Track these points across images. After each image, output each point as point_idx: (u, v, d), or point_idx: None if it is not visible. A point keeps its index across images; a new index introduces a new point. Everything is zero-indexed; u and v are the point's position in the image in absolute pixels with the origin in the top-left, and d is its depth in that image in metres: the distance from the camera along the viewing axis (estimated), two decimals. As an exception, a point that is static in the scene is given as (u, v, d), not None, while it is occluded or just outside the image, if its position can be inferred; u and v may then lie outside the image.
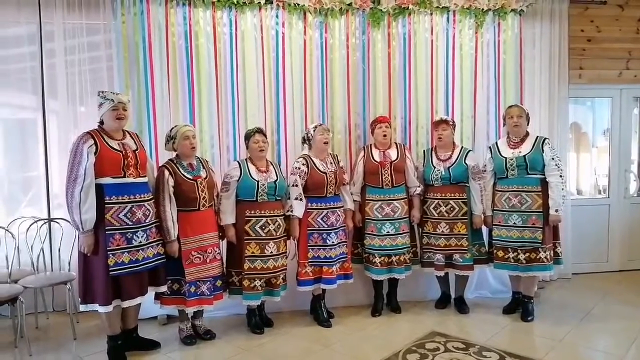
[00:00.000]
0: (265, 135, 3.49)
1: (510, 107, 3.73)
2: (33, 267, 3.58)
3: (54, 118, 3.93)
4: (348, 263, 3.69)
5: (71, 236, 3.57)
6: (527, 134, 3.64)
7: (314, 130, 3.58)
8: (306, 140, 3.64)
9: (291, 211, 3.48)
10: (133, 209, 2.87)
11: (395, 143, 3.83)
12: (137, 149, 2.97)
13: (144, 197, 2.95)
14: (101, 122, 2.92)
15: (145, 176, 3.02)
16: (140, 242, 2.90)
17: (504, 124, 3.76)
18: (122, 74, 3.60)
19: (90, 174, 2.74)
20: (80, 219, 2.73)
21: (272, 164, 3.54)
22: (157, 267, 3.05)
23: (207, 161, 3.46)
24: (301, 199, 3.49)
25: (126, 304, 2.92)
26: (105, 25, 3.81)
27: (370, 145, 3.83)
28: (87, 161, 2.73)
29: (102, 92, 2.93)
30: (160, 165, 3.29)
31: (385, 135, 3.71)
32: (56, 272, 3.68)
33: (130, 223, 2.86)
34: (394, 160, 3.69)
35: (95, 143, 2.79)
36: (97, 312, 2.94)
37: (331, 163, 3.61)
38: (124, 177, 2.86)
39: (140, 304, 3.10)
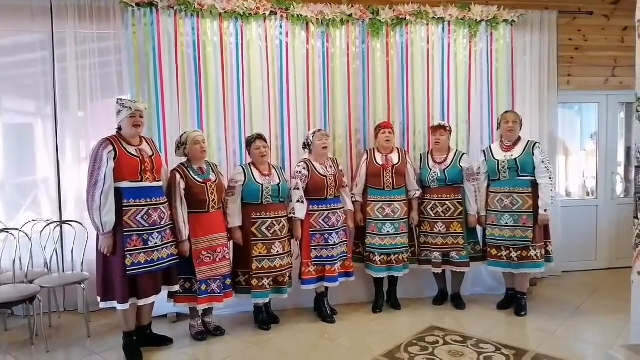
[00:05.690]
0: (265, 141, 3.62)
1: (506, 112, 3.91)
2: (46, 267, 3.70)
3: (64, 121, 4.02)
4: (349, 262, 3.84)
5: (83, 238, 3.71)
6: (519, 138, 3.82)
7: (313, 136, 3.73)
8: (306, 145, 3.79)
9: (293, 213, 3.64)
10: (149, 211, 3.00)
11: (397, 148, 3.99)
12: (153, 155, 3.10)
13: (160, 201, 3.08)
14: (119, 129, 3.04)
15: (160, 180, 3.15)
16: (156, 243, 3.03)
17: (498, 128, 3.93)
18: (133, 82, 3.72)
19: (110, 179, 2.86)
20: (100, 221, 2.85)
21: (274, 168, 3.68)
22: (171, 267, 3.18)
23: (216, 165, 3.59)
24: (302, 202, 3.65)
25: (142, 302, 3.05)
26: (115, 34, 3.95)
27: (373, 149, 3.98)
28: (106, 166, 2.85)
29: (120, 99, 3.04)
30: (171, 169, 3.41)
31: (388, 140, 3.87)
32: (68, 272, 3.80)
33: (146, 225, 2.98)
34: (396, 164, 3.85)
35: (115, 149, 2.92)
36: (113, 311, 3.09)
37: (331, 167, 3.76)
38: (141, 181, 2.98)
39: (154, 302, 3.22)
